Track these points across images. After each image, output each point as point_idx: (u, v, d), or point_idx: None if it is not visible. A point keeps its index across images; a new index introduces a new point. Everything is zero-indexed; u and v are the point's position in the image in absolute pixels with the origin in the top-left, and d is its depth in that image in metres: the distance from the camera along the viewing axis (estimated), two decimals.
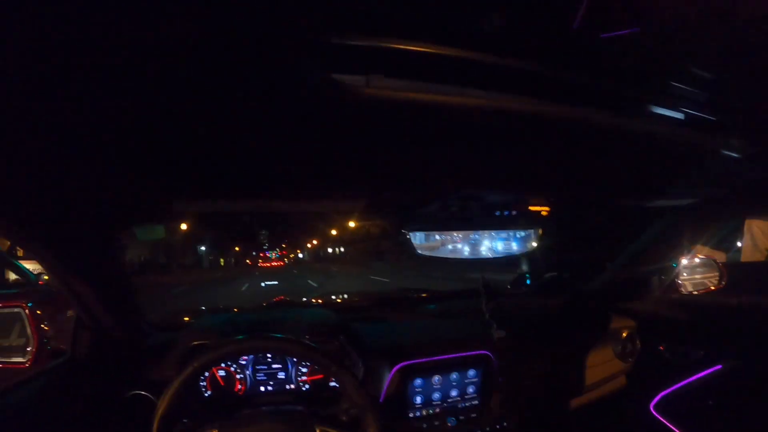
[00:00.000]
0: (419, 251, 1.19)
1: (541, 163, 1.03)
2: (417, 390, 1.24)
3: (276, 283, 11.53)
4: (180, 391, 0.98)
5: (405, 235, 1.17)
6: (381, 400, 1.21)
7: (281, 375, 1.27)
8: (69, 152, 0.79)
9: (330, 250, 39.60)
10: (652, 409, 1.44)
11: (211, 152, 0.85)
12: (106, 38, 0.52)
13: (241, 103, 0.67)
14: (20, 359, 1.26)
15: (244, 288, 10.66)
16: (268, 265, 38.79)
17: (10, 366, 1.25)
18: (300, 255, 47.60)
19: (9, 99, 0.58)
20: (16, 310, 1.27)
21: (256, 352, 1.24)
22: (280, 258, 49.04)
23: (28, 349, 1.29)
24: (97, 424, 1.13)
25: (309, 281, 11.02)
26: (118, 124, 0.72)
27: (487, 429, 1.29)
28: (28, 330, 1.27)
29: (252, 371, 1.26)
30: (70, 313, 1.31)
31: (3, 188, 0.87)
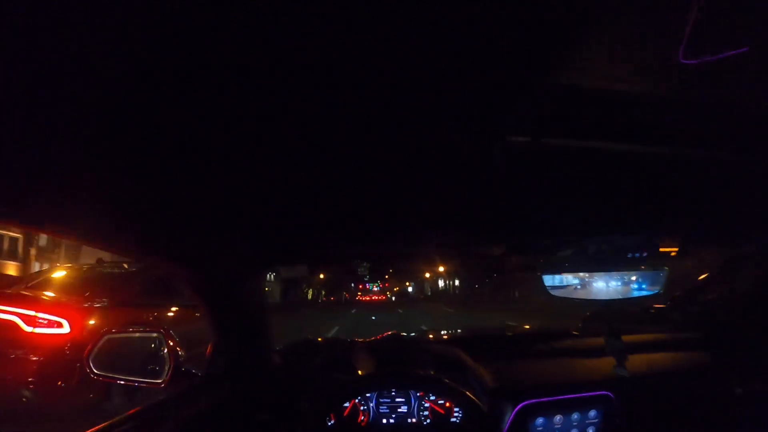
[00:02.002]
0: (553, 292, 1.19)
1: (676, 203, 1.02)
2: (538, 429, 1.23)
3: (374, 318, 11.25)
4: (314, 423, 1.02)
5: (539, 276, 1.18)
6: None
7: (403, 409, 1.30)
8: (234, 203, 0.86)
9: (441, 283, 38.34)
10: None
11: (359, 202, 0.89)
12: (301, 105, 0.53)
13: (398, 157, 0.69)
14: (157, 380, 1.36)
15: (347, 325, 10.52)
16: (368, 298, 37.74)
17: (151, 386, 1.35)
18: (409, 289, 45.64)
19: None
20: (155, 335, 1.38)
21: (390, 388, 1.28)
22: (381, 291, 47.54)
23: (165, 370, 1.39)
24: None
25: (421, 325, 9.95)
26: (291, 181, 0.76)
27: None
28: (165, 352, 1.37)
29: (376, 403, 1.29)
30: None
31: (172, 229, 0.94)
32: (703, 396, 1.36)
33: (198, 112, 0.52)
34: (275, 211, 0.89)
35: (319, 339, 1.72)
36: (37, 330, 3.29)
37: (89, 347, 1.43)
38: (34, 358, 3.21)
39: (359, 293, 42.01)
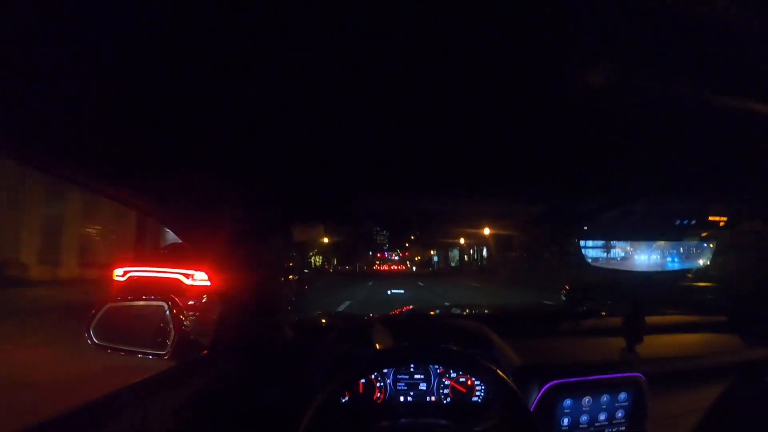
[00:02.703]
0: (591, 262, 1.09)
1: (734, 165, 0.92)
2: (565, 411, 1.15)
3: (402, 292, 10.72)
4: (330, 400, 0.94)
5: (576, 244, 1.08)
6: None
7: (422, 386, 1.22)
8: (250, 147, 0.77)
9: (469, 254, 34.97)
10: None
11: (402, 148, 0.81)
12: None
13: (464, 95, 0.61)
14: (160, 351, 1.28)
15: (362, 298, 10.05)
16: (386, 268, 35.42)
17: (151, 357, 1.27)
18: (433, 259, 41.34)
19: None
20: (160, 303, 1.30)
21: (411, 363, 1.19)
22: (401, 261, 44.06)
23: (168, 341, 1.31)
24: (228, 421, 1.11)
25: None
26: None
27: None
28: (170, 323, 1.29)
29: (393, 380, 1.21)
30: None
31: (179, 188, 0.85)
32: (734, 385, 1.28)
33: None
34: (298, 157, 0.81)
35: (334, 312, 1.64)
36: (192, 282, 5.50)
37: (90, 316, 1.36)
38: (191, 303, 5.08)
39: (377, 262, 39.42)
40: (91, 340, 1.34)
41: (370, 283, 12.11)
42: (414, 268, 37.70)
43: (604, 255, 1.07)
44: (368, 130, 0.71)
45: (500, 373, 0.99)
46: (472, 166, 0.87)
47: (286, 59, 0.50)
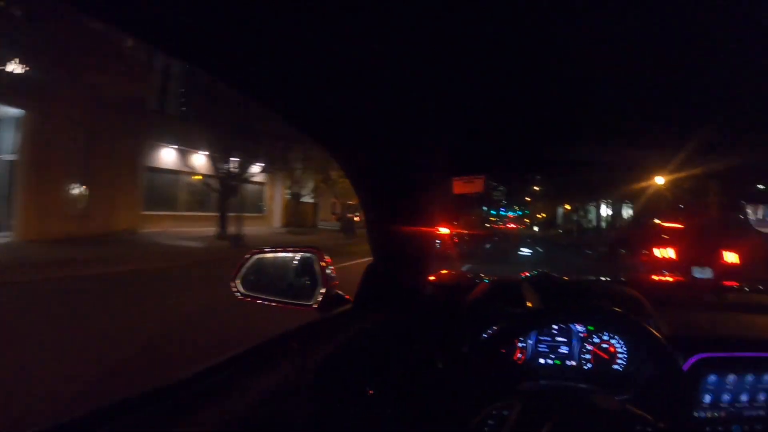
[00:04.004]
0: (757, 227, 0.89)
1: None
2: (709, 388, 1.03)
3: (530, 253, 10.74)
4: (480, 359, 0.89)
5: (743, 206, 0.90)
6: None
7: (563, 349, 1.16)
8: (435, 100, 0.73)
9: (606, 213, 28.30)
10: None
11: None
12: None
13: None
14: (308, 302, 1.33)
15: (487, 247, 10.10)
16: (503, 226, 34.22)
17: (300, 308, 1.32)
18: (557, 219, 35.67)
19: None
20: (308, 254, 1.34)
21: (574, 322, 1.14)
22: (518, 219, 41.77)
23: (316, 293, 1.36)
24: (372, 372, 1.11)
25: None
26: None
27: None
28: (318, 275, 1.34)
29: (535, 341, 1.16)
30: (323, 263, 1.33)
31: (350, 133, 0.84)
32: None
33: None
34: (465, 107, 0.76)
35: (468, 275, 1.60)
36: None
37: (237, 267, 1.44)
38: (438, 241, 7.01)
39: (492, 218, 36.92)
40: (239, 290, 1.43)
41: (488, 246, 11.79)
42: (536, 228, 33.56)
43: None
44: (536, 81, 0.68)
45: (659, 336, 0.90)
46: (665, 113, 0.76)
47: None
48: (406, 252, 1.14)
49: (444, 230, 9.24)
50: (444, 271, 1.61)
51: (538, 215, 39.38)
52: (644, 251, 6.53)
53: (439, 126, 0.85)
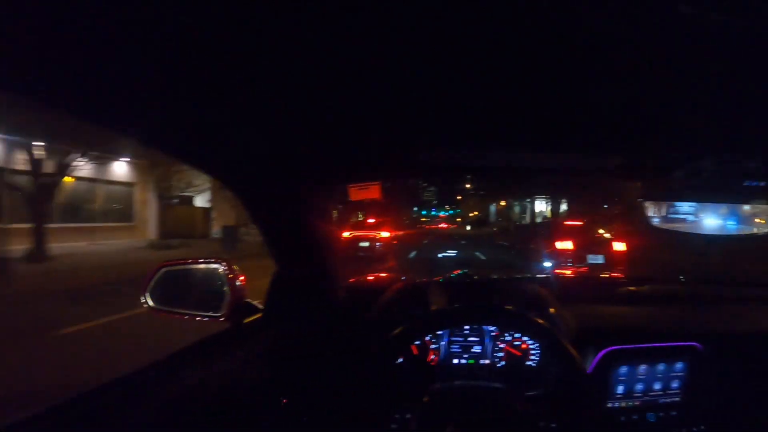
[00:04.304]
0: (656, 223, 1.07)
1: None
2: (620, 378, 1.14)
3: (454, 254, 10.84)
4: (386, 359, 0.95)
5: (642, 204, 1.06)
6: None
7: (476, 349, 1.22)
8: (302, 107, 0.77)
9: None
10: None
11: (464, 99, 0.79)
12: None
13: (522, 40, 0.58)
14: (216, 314, 1.32)
15: (411, 256, 10.24)
16: (434, 226, 33.49)
17: (209, 319, 1.31)
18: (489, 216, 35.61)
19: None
20: (216, 266, 1.33)
21: (471, 323, 1.20)
22: (449, 219, 40.60)
23: (224, 304, 1.34)
24: (284, 380, 1.13)
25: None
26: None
27: (684, 431, 1.16)
28: (225, 286, 1.32)
29: (447, 342, 1.21)
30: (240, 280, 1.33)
31: (227, 144, 0.86)
32: None
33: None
34: (356, 110, 0.80)
35: (386, 275, 1.65)
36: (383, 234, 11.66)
37: (146, 280, 1.40)
38: (378, 245, 11.14)
39: (422, 219, 36.78)
40: (147, 303, 1.38)
41: (413, 254, 11.89)
42: (468, 227, 32.37)
43: (669, 216, 1.05)
44: (429, 79, 0.69)
45: (557, 334, 0.98)
46: (540, 116, 0.85)
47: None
48: (310, 259, 1.17)
49: (385, 234, 12.24)
50: (371, 275, 1.66)
51: (470, 213, 39.63)
52: (549, 244, 8.22)
53: (322, 136, 0.89)
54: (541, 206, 29.33)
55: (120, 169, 15.87)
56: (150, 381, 0.92)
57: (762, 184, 1.05)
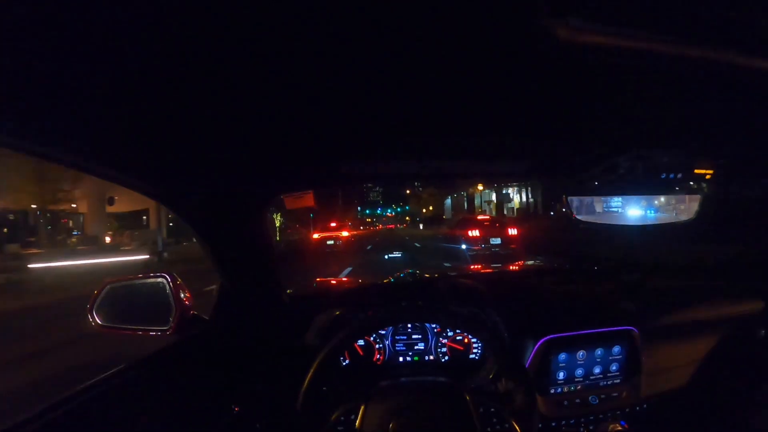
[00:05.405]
0: (579, 217, 1.11)
1: (719, 120, 0.92)
2: (560, 365, 1.19)
3: (399, 255, 11.45)
4: (328, 360, 0.97)
5: (565, 200, 1.10)
6: None
7: (420, 346, 1.25)
8: (229, 126, 0.78)
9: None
10: None
11: (380, 111, 0.81)
12: None
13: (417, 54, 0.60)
14: (163, 327, 1.30)
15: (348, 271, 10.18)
16: (380, 227, 33.12)
17: (154, 334, 1.29)
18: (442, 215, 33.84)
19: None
20: (160, 280, 1.32)
21: (409, 322, 1.22)
22: (395, 219, 40.30)
23: (170, 317, 1.33)
24: (235, 389, 1.14)
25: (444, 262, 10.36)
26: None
27: (627, 411, 1.22)
28: (171, 299, 1.31)
29: (391, 341, 1.24)
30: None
31: (162, 160, 0.86)
32: (726, 338, 1.31)
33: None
34: (280, 127, 0.81)
35: (332, 281, 1.66)
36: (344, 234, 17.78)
37: (92, 298, 1.37)
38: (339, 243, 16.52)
39: (368, 220, 36.89)
40: (95, 322, 1.35)
41: (370, 246, 11.99)
42: (421, 226, 30.45)
43: (593, 211, 1.09)
44: (350, 90, 0.70)
45: (493, 329, 1.01)
46: (460, 122, 0.87)
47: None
48: (252, 269, 1.18)
49: (345, 233, 16.45)
50: (317, 281, 1.67)
51: (423, 210, 37.43)
52: (464, 233, 11.68)
53: (252, 152, 0.90)
54: (509, 196, 28.64)
55: None
56: (96, 399, 0.91)
57: (679, 176, 1.11)
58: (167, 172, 0.91)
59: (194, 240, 1.19)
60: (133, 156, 0.84)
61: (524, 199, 26.73)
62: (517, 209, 27.19)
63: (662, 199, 1.08)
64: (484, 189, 29.85)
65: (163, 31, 0.47)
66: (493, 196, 30.01)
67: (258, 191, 1.08)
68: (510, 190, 27.90)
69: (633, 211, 1.09)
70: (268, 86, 0.63)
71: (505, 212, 27.35)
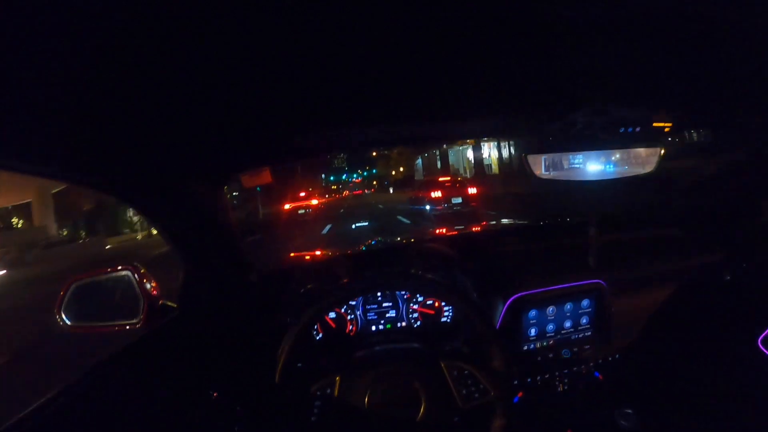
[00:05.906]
0: (539, 175, 1.11)
1: (676, 71, 0.92)
2: (531, 322, 1.21)
3: (366, 224, 11.75)
4: (301, 336, 0.96)
5: (525, 159, 1.10)
6: None
7: (392, 313, 1.26)
8: (178, 102, 0.74)
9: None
10: (759, 343, 1.37)
11: (334, 76, 0.78)
12: None
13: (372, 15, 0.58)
14: (132, 321, 1.28)
15: (325, 231, 10.83)
16: (347, 193, 32.61)
17: (124, 328, 1.27)
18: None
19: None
20: (125, 273, 1.29)
21: (377, 291, 1.22)
22: (362, 185, 39.73)
23: (139, 309, 1.30)
24: (211, 375, 1.13)
25: (400, 218, 11.38)
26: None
27: (600, 362, 1.26)
28: (137, 291, 1.28)
29: (362, 311, 1.25)
30: None
31: (108, 143, 0.83)
32: (692, 285, 1.34)
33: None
34: (228, 104, 0.78)
35: (306, 255, 1.65)
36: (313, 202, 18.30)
37: (59, 298, 1.34)
38: (310, 210, 16.85)
39: (333, 187, 36.42)
40: (63, 322, 1.32)
41: (328, 227, 12.11)
42: (391, 189, 29.24)
43: (554, 168, 1.09)
44: (297, 56, 0.67)
45: (462, 292, 1.01)
46: (413, 85, 0.85)
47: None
48: (216, 252, 1.16)
49: (314, 201, 17.63)
50: (284, 257, 1.65)
51: (393, 171, 35.41)
52: (427, 194, 12.34)
53: (202, 131, 0.87)
54: (487, 152, 25.57)
55: None
56: (72, 398, 0.89)
57: (637, 129, 1.11)
58: (115, 159, 0.87)
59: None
60: (72, 146, 0.79)
61: (507, 155, 23.48)
62: (497, 167, 24.58)
63: (619, 154, 1.08)
64: (461, 145, 27.07)
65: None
66: (470, 153, 27.31)
67: (211, 171, 1.05)
68: (487, 146, 25.22)
69: (593, 166, 1.09)
70: (216, 59, 0.60)
71: (486, 171, 25.20)
